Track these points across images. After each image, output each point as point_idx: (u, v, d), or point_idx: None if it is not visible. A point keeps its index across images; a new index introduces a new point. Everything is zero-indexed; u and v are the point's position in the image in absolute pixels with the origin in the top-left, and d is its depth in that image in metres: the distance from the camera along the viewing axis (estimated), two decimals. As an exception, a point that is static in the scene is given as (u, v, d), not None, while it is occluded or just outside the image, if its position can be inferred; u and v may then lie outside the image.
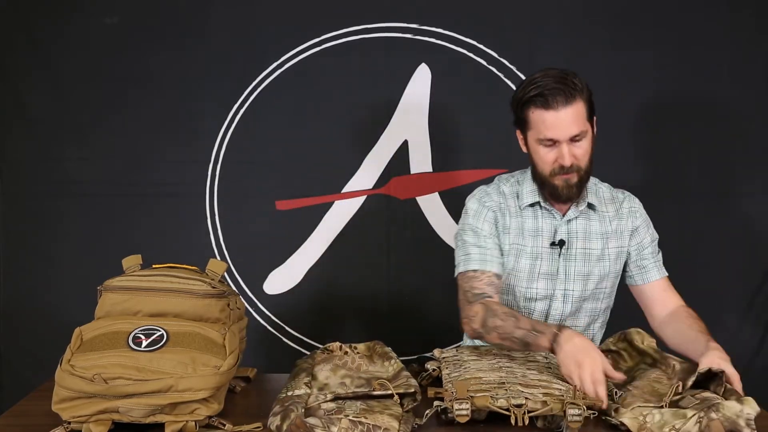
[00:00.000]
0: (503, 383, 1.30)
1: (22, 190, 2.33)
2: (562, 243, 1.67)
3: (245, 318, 1.53)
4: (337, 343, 1.54)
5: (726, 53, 2.23)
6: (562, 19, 2.25)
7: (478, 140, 2.30)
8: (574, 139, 1.57)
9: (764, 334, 2.28)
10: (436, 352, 1.54)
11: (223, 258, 2.32)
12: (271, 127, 2.30)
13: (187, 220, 2.32)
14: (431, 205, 2.31)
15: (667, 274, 1.73)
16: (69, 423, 1.24)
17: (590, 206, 1.70)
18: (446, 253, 2.25)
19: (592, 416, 1.25)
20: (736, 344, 2.28)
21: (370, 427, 1.18)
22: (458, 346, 1.63)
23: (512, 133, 2.27)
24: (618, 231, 1.70)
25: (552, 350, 1.41)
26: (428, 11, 2.26)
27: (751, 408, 1.22)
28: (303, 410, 1.23)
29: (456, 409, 1.24)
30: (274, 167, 2.31)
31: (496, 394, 1.26)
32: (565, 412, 1.23)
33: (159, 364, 1.24)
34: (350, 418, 1.20)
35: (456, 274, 1.67)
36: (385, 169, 2.29)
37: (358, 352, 1.52)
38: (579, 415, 1.22)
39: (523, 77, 2.25)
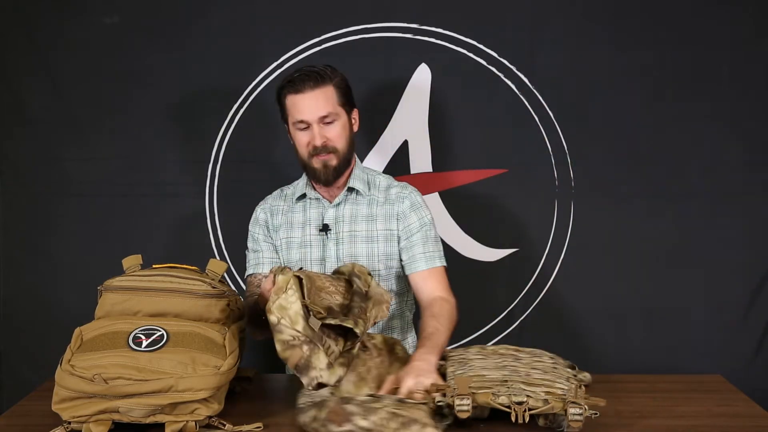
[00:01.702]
0: (506, 381, 1.30)
1: (22, 190, 2.33)
2: (326, 228, 1.77)
3: (245, 318, 1.53)
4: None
5: (726, 53, 2.23)
6: (562, 19, 2.24)
7: (478, 140, 2.30)
8: (324, 121, 1.69)
9: (764, 334, 2.29)
10: (446, 350, 1.54)
11: (223, 258, 2.32)
12: (271, 126, 2.29)
13: (187, 220, 2.32)
14: (431, 205, 2.30)
15: (440, 265, 1.77)
16: (69, 423, 1.24)
17: (352, 190, 1.79)
18: (446, 253, 2.26)
19: (593, 416, 1.25)
20: (736, 344, 2.29)
21: (408, 419, 1.19)
22: (465, 346, 1.62)
23: (512, 133, 2.30)
24: (386, 215, 1.78)
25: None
26: (428, 11, 2.25)
27: (329, 376, 1.26)
28: (337, 400, 1.24)
29: (457, 405, 1.24)
30: (274, 167, 2.30)
31: (498, 392, 1.26)
32: (566, 411, 1.23)
33: (159, 364, 1.24)
34: (389, 409, 1.20)
35: None
36: (385, 168, 2.29)
37: (375, 344, 1.49)
38: (580, 414, 1.22)
39: (523, 77, 2.26)
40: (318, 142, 1.70)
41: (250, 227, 1.88)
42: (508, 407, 1.24)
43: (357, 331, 1.31)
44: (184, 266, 1.45)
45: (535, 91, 2.26)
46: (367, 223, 1.78)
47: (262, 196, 2.30)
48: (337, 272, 1.55)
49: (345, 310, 1.37)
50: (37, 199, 2.32)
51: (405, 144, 2.30)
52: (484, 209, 2.30)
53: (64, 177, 2.31)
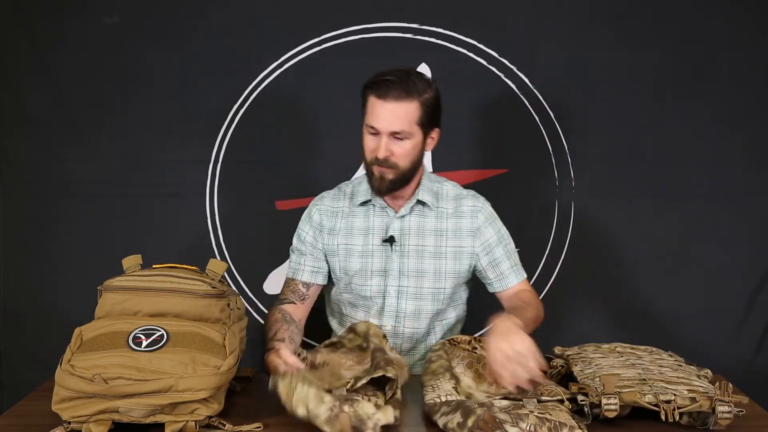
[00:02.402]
0: (645, 379, 1.31)
1: (22, 190, 2.32)
2: (392, 239, 1.68)
3: (245, 318, 1.53)
4: (466, 337, 1.54)
5: (726, 53, 2.23)
6: (562, 19, 2.25)
7: (478, 140, 2.30)
8: (395, 136, 1.58)
9: (764, 334, 2.29)
10: (557, 350, 1.54)
11: (223, 258, 2.31)
12: (271, 127, 2.30)
13: (187, 220, 2.32)
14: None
15: (525, 276, 1.75)
16: (69, 423, 1.24)
17: (421, 203, 1.71)
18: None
19: (740, 413, 1.26)
20: (736, 344, 2.29)
21: (557, 423, 1.18)
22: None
23: (512, 133, 2.30)
24: (456, 230, 1.70)
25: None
26: (428, 11, 2.25)
27: (384, 416, 1.21)
28: (485, 408, 1.22)
29: (605, 405, 1.25)
30: (274, 167, 2.30)
31: (642, 390, 1.27)
32: (714, 408, 1.24)
33: (159, 364, 1.24)
34: (536, 414, 1.19)
35: None
36: (385, 169, 2.29)
37: (483, 346, 1.50)
38: (729, 412, 1.24)
39: (524, 77, 2.26)
40: (381, 155, 1.59)
41: (300, 224, 1.79)
42: (656, 406, 1.25)
43: (390, 374, 1.30)
44: (184, 266, 1.45)
45: (535, 91, 2.26)
46: (436, 238, 1.70)
47: (263, 197, 2.31)
48: (352, 330, 1.54)
49: (372, 370, 1.34)
50: (37, 199, 2.32)
51: (405, 144, 2.30)
52: (484, 209, 2.30)
53: (64, 177, 2.31)
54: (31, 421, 1.33)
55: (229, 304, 1.40)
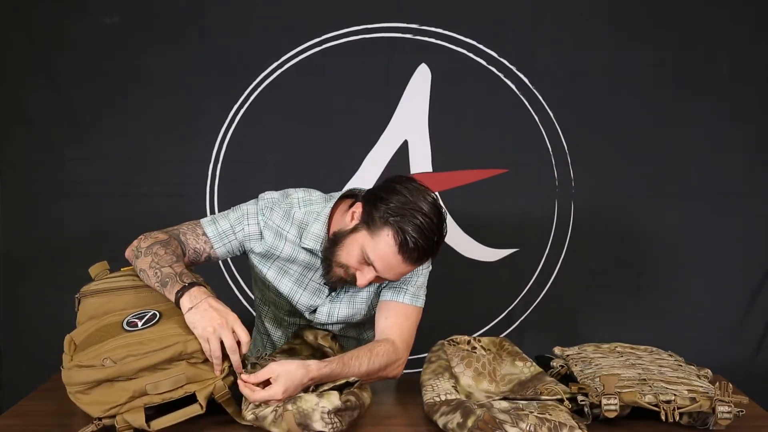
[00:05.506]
0: (645, 380, 1.32)
1: (22, 190, 2.33)
2: (333, 288, 1.56)
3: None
4: (465, 337, 1.54)
5: (726, 53, 2.23)
6: (562, 19, 2.25)
7: (478, 140, 2.30)
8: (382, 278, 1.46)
9: (764, 334, 2.29)
10: (557, 350, 1.54)
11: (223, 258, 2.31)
12: (271, 127, 2.30)
13: (187, 220, 2.31)
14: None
15: (409, 303, 1.52)
16: (101, 419, 1.22)
17: None
18: (446, 253, 2.26)
19: (740, 413, 1.26)
20: (736, 344, 2.29)
21: (557, 423, 1.19)
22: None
23: (512, 133, 2.30)
24: None
25: (177, 302, 1.29)
26: (428, 11, 2.26)
27: (328, 401, 1.22)
28: (485, 409, 1.22)
29: (604, 405, 1.25)
30: (274, 167, 2.31)
31: (642, 390, 1.28)
32: (714, 409, 1.25)
33: (161, 334, 1.23)
34: (536, 414, 1.20)
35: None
36: (385, 169, 2.29)
37: (482, 346, 1.51)
38: (729, 412, 1.24)
39: (523, 77, 2.26)
40: (359, 284, 1.44)
41: (231, 215, 1.55)
42: (656, 406, 1.25)
43: (351, 380, 1.30)
44: None
45: (535, 91, 2.26)
46: (369, 284, 1.51)
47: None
48: (298, 336, 1.53)
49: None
50: (37, 199, 2.32)
51: (405, 144, 2.30)
52: (484, 209, 2.30)
53: (64, 177, 2.31)
54: (31, 421, 1.33)
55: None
